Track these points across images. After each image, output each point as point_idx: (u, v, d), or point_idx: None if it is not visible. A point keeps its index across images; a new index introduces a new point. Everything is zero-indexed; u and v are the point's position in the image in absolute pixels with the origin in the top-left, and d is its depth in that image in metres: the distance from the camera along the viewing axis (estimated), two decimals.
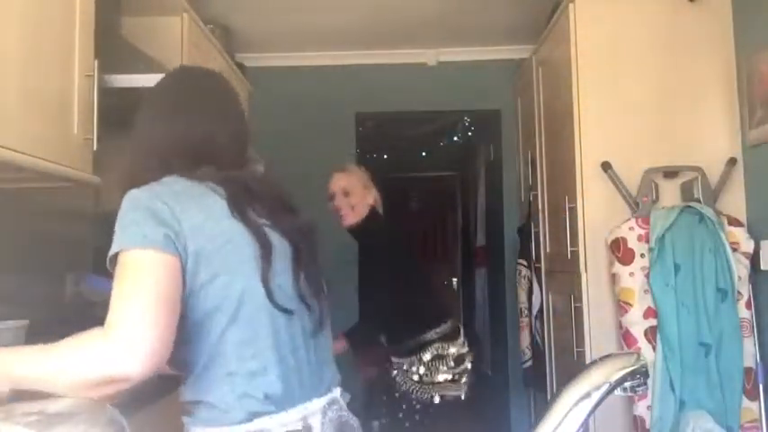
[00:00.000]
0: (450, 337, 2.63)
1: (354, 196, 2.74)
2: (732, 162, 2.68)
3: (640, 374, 0.69)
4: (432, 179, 7.76)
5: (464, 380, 2.62)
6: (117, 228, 1.10)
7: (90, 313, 2.37)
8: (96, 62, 1.80)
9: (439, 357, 2.59)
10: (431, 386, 2.57)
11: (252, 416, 1.13)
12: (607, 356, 0.70)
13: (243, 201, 1.20)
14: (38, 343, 1.10)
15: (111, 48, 2.19)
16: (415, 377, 2.58)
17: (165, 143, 1.24)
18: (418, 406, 2.57)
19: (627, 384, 0.68)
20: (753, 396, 2.43)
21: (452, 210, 7.81)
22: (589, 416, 0.63)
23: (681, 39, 2.79)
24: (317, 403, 1.20)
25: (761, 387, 2.45)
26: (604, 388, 0.66)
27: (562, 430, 0.62)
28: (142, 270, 1.06)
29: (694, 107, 2.76)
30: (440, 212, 8.09)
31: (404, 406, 2.57)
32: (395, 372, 2.63)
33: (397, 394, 2.60)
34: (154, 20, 2.77)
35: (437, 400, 2.56)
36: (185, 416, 1.20)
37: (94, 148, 1.79)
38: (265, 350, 1.15)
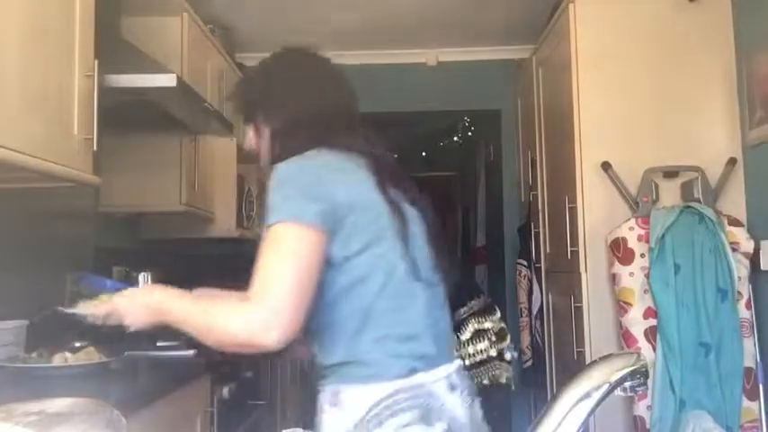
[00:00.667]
0: (484, 312, 2.52)
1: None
2: (732, 162, 2.68)
3: (640, 374, 0.69)
4: (432, 179, 7.76)
5: (509, 356, 2.50)
6: (271, 200, 1.17)
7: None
8: (96, 62, 1.80)
9: (478, 333, 2.48)
10: (479, 367, 2.44)
11: (409, 372, 1.20)
12: (607, 356, 0.70)
13: (386, 176, 1.29)
14: (38, 342, 1.11)
15: (111, 48, 2.19)
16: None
17: (306, 114, 1.35)
18: None
19: (627, 384, 0.68)
20: (753, 396, 2.43)
21: (452, 210, 7.81)
22: (589, 416, 0.63)
23: (681, 39, 2.79)
24: (452, 366, 1.28)
25: (761, 387, 2.45)
26: (604, 388, 0.66)
27: (562, 430, 0.62)
28: (289, 244, 1.14)
29: (694, 107, 2.76)
30: (440, 212, 8.09)
31: None
32: None
33: None
34: (154, 20, 2.77)
35: (486, 382, 2.43)
36: (330, 377, 1.24)
37: (94, 148, 1.79)
38: (417, 316, 1.24)
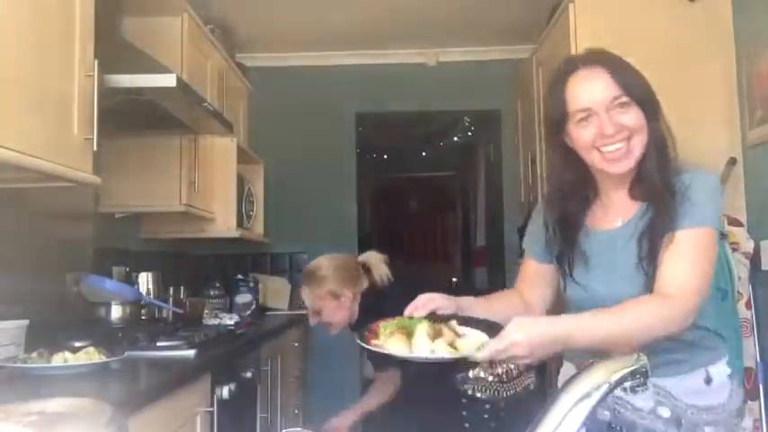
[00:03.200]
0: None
1: (325, 312, 2.44)
2: (732, 162, 2.68)
3: (640, 374, 0.69)
4: (432, 179, 7.76)
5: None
6: (700, 204, 1.35)
7: (90, 313, 2.38)
8: (96, 62, 1.80)
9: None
10: (498, 381, 2.12)
11: None
12: (607, 356, 0.70)
13: None
14: (38, 343, 1.11)
15: (111, 48, 2.19)
16: (489, 377, 2.09)
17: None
18: (487, 406, 2.12)
19: (627, 384, 0.68)
20: (753, 396, 2.43)
21: (452, 210, 7.81)
22: (589, 415, 0.63)
23: (681, 39, 2.79)
24: None
25: (761, 387, 2.45)
26: (604, 388, 0.65)
27: (562, 430, 0.62)
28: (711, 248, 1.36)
29: (694, 107, 2.76)
30: (440, 212, 8.09)
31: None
32: (466, 385, 2.12)
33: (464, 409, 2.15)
34: (154, 20, 2.77)
35: (507, 395, 2.11)
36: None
37: (94, 148, 1.79)
38: None
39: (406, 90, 4.27)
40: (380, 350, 1.22)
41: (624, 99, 1.41)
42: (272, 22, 3.76)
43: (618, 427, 1.44)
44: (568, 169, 1.49)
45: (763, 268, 2.49)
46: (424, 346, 1.20)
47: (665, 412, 1.42)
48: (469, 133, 6.09)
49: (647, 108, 1.44)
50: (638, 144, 1.41)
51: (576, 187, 1.50)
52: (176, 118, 2.55)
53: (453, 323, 1.30)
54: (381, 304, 2.31)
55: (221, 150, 3.28)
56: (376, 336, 1.27)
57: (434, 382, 2.14)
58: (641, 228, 1.41)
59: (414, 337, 1.22)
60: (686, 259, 1.33)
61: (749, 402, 2.41)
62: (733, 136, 2.72)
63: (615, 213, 1.49)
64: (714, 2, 2.78)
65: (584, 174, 1.49)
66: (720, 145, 2.72)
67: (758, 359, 2.46)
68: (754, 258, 2.50)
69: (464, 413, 2.17)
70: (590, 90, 1.41)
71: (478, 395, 2.10)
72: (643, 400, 1.41)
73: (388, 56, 4.26)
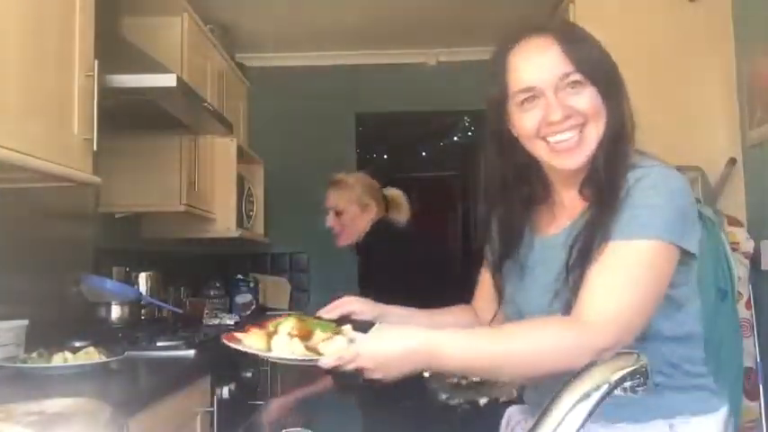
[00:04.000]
0: None
1: (346, 216, 2.52)
2: (732, 162, 2.68)
3: (640, 374, 0.69)
4: (432, 179, 7.75)
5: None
6: (645, 209, 1.07)
7: (90, 313, 2.38)
8: (96, 62, 1.80)
9: None
10: (475, 387, 2.16)
11: None
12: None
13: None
14: (38, 343, 1.10)
15: (111, 48, 2.19)
16: (463, 381, 2.13)
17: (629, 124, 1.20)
18: (460, 411, 2.16)
19: (627, 384, 0.68)
20: (753, 396, 2.43)
21: (452, 210, 7.81)
22: (589, 416, 0.63)
23: (681, 39, 2.79)
24: None
25: (761, 387, 2.45)
26: (604, 388, 0.65)
27: (562, 430, 0.62)
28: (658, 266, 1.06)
29: (694, 107, 2.76)
30: (440, 212, 8.09)
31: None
32: (442, 393, 2.17)
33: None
34: (154, 20, 2.77)
35: (483, 402, 2.15)
36: None
37: (94, 148, 1.79)
38: None
39: (406, 90, 4.27)
40: (237, 346, 1.13)
41: (577, 77, 1.12)
42: (272, 22, 3.76)
43: None
44: (509, 163, 1.24)
45: (763, 268, 2.49)
46: (282, 344, 1.10)
47: None
48: (469, 133, 6.09)
49: (606, 89, 1.16)
50: (593, 133, 1.13)
51: (519, 184, 1.25)
52: (176, 118, 2.55)
53: (347, 327, 1.16)
54: (390, 237, 2.46)
55: (221, 150, 3.28)
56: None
57: (410, 389, 2.01)
58: (574, 234, 1.13)
59: (276, 335, 1.12)
60: (614, 278, 1.04)
61: (749, 402, 2.41)
62: (733, 136, 2.72)
63: (563, 217, 1.21)
64: (714, 2, 2.79)
65: (528, 168, 1.24)
66: (720, 145, 2.72)
67: (758, 359, 2.46)
68: (754, 258, 2.50)
69: (439, 420, 2.18)
70: (535, 65, 1.13)
71: (452, 402, 2.11)
72: None
73: (388, 56, 4.26)
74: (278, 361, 1.13)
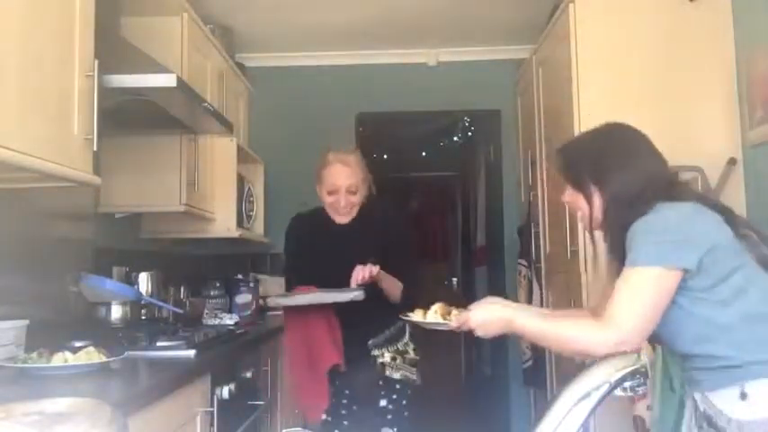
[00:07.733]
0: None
1: (358, 195, 2.51)
2: (732, 162, 2.68)
3: (640, 374, 0.69)
4: (432, 179, 7.75)
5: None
6: (649, 241, 1.45)
7: (90, 313, 2.38)
8: (96, 62, 1.80)
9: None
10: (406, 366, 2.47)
11: None
12: (607, 356, 0.70)
13: (732, 216, 1.54)
14: (38, 343, 1.11)
15: (111, 48, 2.19)
16: (398, 358, 2.46)
17: (652, 178, 1.57)
18: (409, 392, 2.45)
19: (627, 384, 0.68)
20: None
21: (452, 210, 7.80)
22: (589, 416, 0.63)
23: (681, 39, 2.79)
24: None
25: None
26: (604, 388, 0.66)
27: (562, 430, 0.62)
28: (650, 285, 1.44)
29: (694, 107, 2.76)
30: (440, 212, 8.08)
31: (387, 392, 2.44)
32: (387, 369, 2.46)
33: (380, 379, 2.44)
34: (154, 20, 2.77)
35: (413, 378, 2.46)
36: None
37: (95, 148, 1.79)
38: None
39: (406, 90, 4.27)
40: (412, 320, 1.82)
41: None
42: (272, 22, 3.76)
43: None
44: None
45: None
46: (431, 317, 1.76)
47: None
48: (469, 133, 6.09)
49: (577, 186, 1.73)
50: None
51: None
52: (176, 118, 2.55)
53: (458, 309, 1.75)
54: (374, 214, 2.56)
55: (221, 150, 3.28)
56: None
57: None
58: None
59: (429, 311, 1.79)
60: (629, 294, 1.45)
61: None
62: (733, 136, 2.72)
63: None
64: (714, 2, 2.79)
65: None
66: (720, 145, 2.72)
67: None
68: None
69: (382, 393, 2.45)
70: None
71: (395, 376, 2.44)
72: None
73: (389, 56, 4.26)
74: (429, 326, 1.77)
